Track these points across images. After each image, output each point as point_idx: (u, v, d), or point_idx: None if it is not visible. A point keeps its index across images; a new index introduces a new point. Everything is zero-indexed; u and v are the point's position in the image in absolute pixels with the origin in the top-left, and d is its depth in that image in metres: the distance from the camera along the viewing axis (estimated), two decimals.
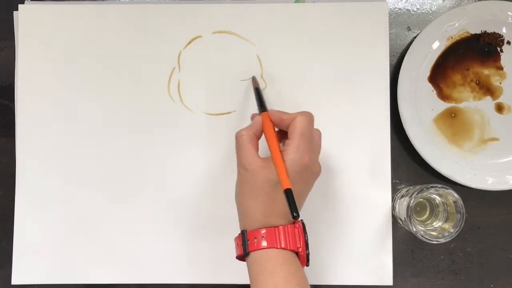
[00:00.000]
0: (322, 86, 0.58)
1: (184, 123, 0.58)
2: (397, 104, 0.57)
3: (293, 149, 0.45)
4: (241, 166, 0.46)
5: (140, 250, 0.57)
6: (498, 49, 0.58)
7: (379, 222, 0.57)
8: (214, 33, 0.58)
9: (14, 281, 0.57)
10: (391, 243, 0.57)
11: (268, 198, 0.45)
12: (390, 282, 0.56)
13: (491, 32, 0.58)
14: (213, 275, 0.57)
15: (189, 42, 0.58)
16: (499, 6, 0.57)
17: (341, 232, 0.57)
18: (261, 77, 0.58)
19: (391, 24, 0.59)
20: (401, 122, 0.56)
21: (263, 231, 0.45)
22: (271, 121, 0.48)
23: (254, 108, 0.54)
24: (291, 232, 0.45)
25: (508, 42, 0.58)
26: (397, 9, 0.59)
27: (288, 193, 0.42)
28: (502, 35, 0.58)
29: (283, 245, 0.45)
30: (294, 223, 0.47)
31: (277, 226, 0.45)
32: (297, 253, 0.46)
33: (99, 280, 0.57)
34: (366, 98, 0.57)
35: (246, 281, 0.53)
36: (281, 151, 0.45)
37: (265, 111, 0.49)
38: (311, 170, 0.47)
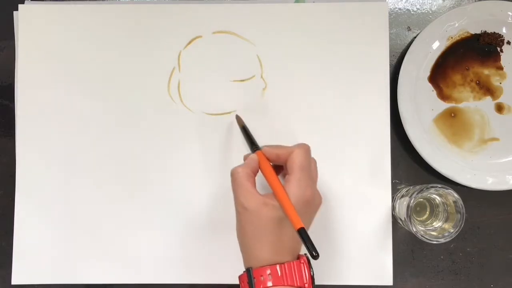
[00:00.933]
0: (322, 86, 0.58)
1: (184, 123, 0.58)
2: (397, 104, 0.57)
3: (295, 184, 0.44)
4: (240, 204, 0.45)
5: (140, 250, 0.57)
6: (498, 49, 0.58)
7: (379, 222, 0.57)
8: (214, 33, 0.58)
9: (14, 281, 0.57)
10: (391, 243, 0.57)
11: (273, 236, 0.44)
12: (390, 282, 0.56)
13: (491, 32, 0.58)
14: (213, 275, 0.57)
15: (189, 42, 0.58)
16: (499, 6, 0.57)
17: (341, 232, 0.57)
18: (261, 77, 0.58)
19: (391, 24, 0.59)
20: (401, 122, 0.56)
21: (270, 269, 0.44)
22: (267, 158, 0.47)
23: (254, 108, 0.54)
24: (298, 268, 0.44)
25: (508, 42, 0.58)
26: (397, 9, 0.59)
27: (303, 232, 0.41)
28: (502, 35, 0.58)
29: (289, 282, 0.44)
30: (299, 257, 0.46)
31: (283, 263, 0.44)
32: None
33: (99, 280, 0.57)
34: (366, 98, 0.57)
35: None
36: (284, 189, 0.44)
37: (258, 149, 0.48)
38: (314, 203, 0.46)
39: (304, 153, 0.46)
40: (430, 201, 0.56)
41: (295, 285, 0.44)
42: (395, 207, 0.56)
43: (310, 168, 0.46)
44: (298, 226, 0.42)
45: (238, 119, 0.55)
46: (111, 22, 0.58)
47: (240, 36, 0.58)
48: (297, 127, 0.57)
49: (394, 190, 0.57)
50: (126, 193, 0.57)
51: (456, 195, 0.51)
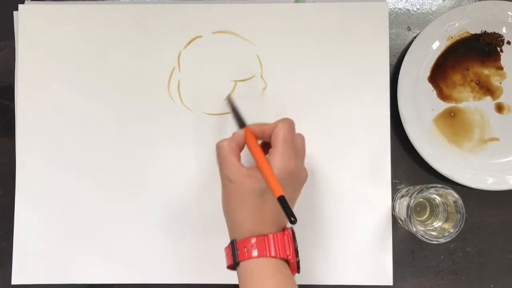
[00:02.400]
0: (322, 86, 0.58)
1: (184, 123, 0.58)
2: (397, 104, 0.57)
3: (278, 156, 0.45)
4: (225, 177, 0.46)
5: (141, 250, 0.57)
6: (498, 49, 0.58)
7: (379, 222, 0.57)
8: (214, 33, 0.58)
9: (14, 281, 0.57)
10: (391, 243, 0.57)
11: (256, 207, 0.45)
12: (390, 282, 0.56)
13: (491, 32, 0.58)
14: (212, 275, 0.57)
15: (189, 42, 0.58)
16: (499, 6, 0.57)
17: (341, 232, 0.57)
18: (261, 77, 0.58)
19: (391, 24, 0.59)
20: (401, 122, 0.56)
21: (253, 240, 0.45)
22: (253, 135, 0.48)
23: (254, 107, 0.54)
24: (280, 240, 0.45)
25: (508, 42, 0.58)
26: (397, 9, 0.59)
27: (282, 200, 0.42)
28: (502, 35, 0.58)
29: (273, 254, 0.44)
30: (283, 230, 0.46)
31: (267, 235, 0.45)
32: (287, 261, 0.45)
33: (99, 280, 0.57)
34: (366, 98, 0.57)
35: None
36: (266, 160, 0.45)
37: (245, 126, 0.49)
38: (297, 176, 0.46)
39: (287, 127, 0.46)
40: (430, 201, 0.56)
41: (278, 256, 0.44)
42: (395, 207, 0.56)
43: (293, 141, 0.46)
44: (278, 194, 0.42)
45: (230, 99, 0.55)
46: (111, 22, 0.58)
47: (240, 36, 0.58)
48: (297, 127, 0.57)
49: (394, 190, 0.57)
50: (126, 193, 0.57)
51: (456, 195, 0.51)
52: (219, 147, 0.47)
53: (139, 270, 0.57)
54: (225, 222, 0.56)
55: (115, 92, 0.58)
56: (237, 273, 0.46)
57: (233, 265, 0.46)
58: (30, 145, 0.58)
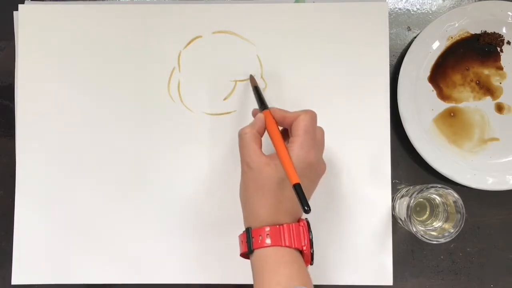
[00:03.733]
0: (322, 86, 0.58)
1: (184, 123, 0.58)
2: (397, 104, 0.57)
3: (298, 146, 0.45)
4: (245, 164, 0.46)
5: (141, 250, 0.57)
6: (498, 49, 0.58)
7: (379, 222, 0.57)
8: (214, 33, 0.58)
9: (14, 281, 0.57)
10: (391, 243, 0.57)
11: (273, 196, 0.45)
12: (390, 282, 0.56)
13: (491, 32, 0.58)
14: (212, 275, 0.57)
15: (189, 42, 0.58)
16: (499, 6, 0.57)
17: (341, 232, 0.57)
18: (261, 77, 0.58)
19: (391, 24, 0.59)
20: (401, 122, 0.56)
21: (268, 228, 0.45)
22: (274, 118, 0.48)
23: (254, 107, 0.54)
24: (296, 230, 0.45)
25: (508, 42, 0.58)
26: (397, 9, 0.59)
27: (297, 188, 0.42)
28: (502, 35, 0.58)
29: (287, 243, 0.45)
30: (299, 221, 0.47)
31: (282, 224, 0.45)
32: (301, 252, 0.46)
33: (99, 280, 0.57)
34: (366, 98, 0.57)
35: (246, 281, 0.53)
36: (286, 148, 0.45)
37: (266, 108, 0.49)
38: (316, 167, 0.47)
39: (310, 118, 0.46)
40: (430, 201, 0.56)
41: (293, 246, 0.45)
42: (395, 207, 0.56)
43: (314, 133, 0.47)
44: (294, 181, 0.42)
45: (252, 79, 0.56)
46: (111, 22, 0.58)
47: (240, 36, 0.58)
48: None
49: (394, 190, 0.57)
50: (126, 193, 0.57)
51: (456, 195, 0.51)
52: (241, 134, 0.47)
53: (139, 270, 0.57)
54: (225, 222, 0.56)
55: (115, 92, 0.58)
56: (251, 261, 0.46)
57: (247, 253, 0.46)
58: (30, 145, 0.58)
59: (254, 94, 0.53)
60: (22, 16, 0.58)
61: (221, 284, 0.57)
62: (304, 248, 0.45)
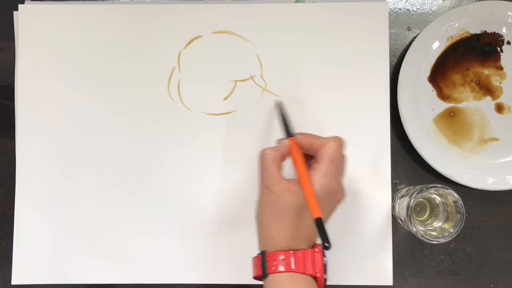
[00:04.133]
0: (322, 86, 0.58)
1: (184, 123, 0.58)
2: (397, 104, 0.57)
3: (322, 174, 0.44)
4: (265, 186, 0.46)
5: (140, 250, 0.57)
6: (498, 49, 0.58)
7: (379, 222, 0.57)
8: (214, 33, 0.58)
9: (14, 281, 0.57)
10: (391, 243, 0.57)
11: (292, 222, 0.45)
12: (390, 282, 0.56)
13: (491, 32, 0.58)
14: (212, 275, 0.57)
15: (189, 42, 0.58)
16: (499, 6, 0.57)
17: (341, 232, 0.57)
18: (261, 77, 0.58)
19: (391, 24, 0.59)
20: (401, 122, 0.56)
21: (284, 255, 0.44)
22: (300, 146, 0.47)
23: (254, 107, 0.54)
24: (311, 257, 0.45)
25: (508, 42, 0.58)
26: (397, 9, 0.59)
27: (319, 222, 0.42)
28: (502, 35, 0.58)
29: (302, 270, 0.44)
30: (313, 247, 0.46)
31: (298, 250, 0.45)
32: (315, 277, 0.45)
33: (99, 280, 0.57)
34: (366, 98, 0.57)
35: (247, 281, 0.53)
36: (309, 178, 0.44)
37: (291, 135, 0.48)
38: (336, 195, 0.46)
39: (338, 146, 0.46)
40: (430, 201, 0.56)
41: (307, 273, 0.44)
42: (395, 207, 0.56)
43: (340, 162, 0.46)
44: (316, 216, 0.42)
45: (279, 105, 0.54)
46: (111, 22, 0.58)
47: (240, 36, 0.58)
48: (297, 127, 0.57)
49: (394, 190, 0.57)
50: (126, 193, 0.57)
51: (456, 195, 0.51)
52: (262, 155, 0.46)
53: (139, 270, 0.57)
54: (226, 222, 0.56)
55: (115, 92, 0.58)
56: (264, 285, 0.46)
57: (261, 276, 0.45)
58: (30, 145, 0.58)
59: (280, 120, 0.52)
60: (22, 16, 0.58)
61: (221, 284, 0.57)
62: (318, 274, 0.45)
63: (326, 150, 0.45)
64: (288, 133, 0.49)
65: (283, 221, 0.45)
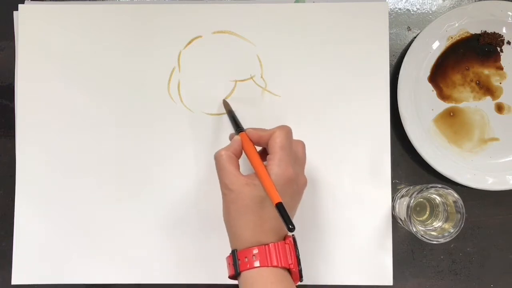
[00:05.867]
0: (322, 86, 0.58)
1: (184, 123, 0.58)
2: (397, 104, 0.57)
3: (276, 162, 0.45)
4: (224, 186, 0.46)
5: (140, 250, 0.57)
6: (498, 49, 0.58)
7: (379, 222, 0.57)
8: (214, 33, 0.58)
9: (14, 281, 0.57)
10: (391, 243, 0.57)
11: (256, 216, 0.45)
12: (390, 282, 0.56)
13: (491, 32, 0.58)
14: (212, 275, 0.57)
15: (189, 42, 0.58)
16: (499, 6, 0.57)
17: (341, 232, 0.57)
18: (261, 77, 0.58)
19: (391, 24, 0.59)
20: (401, 122, 0.56)
21: (254, 250, 0.44)
22: (250, 139, 0.48)
23: (254, 107, 0.54)
24: (282, 249, 0.45)
25: (508, 42, 0.58)
26: (397, 9, 0.59)
27: (280, 207, 0.42)
28: (502, 35, 0.58)
29: (274, 263, 0.44)
30: (284, 239, 0.46)
31: (268, 244, 0.45)
32: (289, 270, 0.45)
33: (99, 280, 0.57)
34: (366, 98, 0.57)
35: None
36: (264, 167, 0.45)
37: (242, 131, 0.49)
38: (296, 182, 0.46)
39: (285, 134, 0.46)
40: (430, 201, 0.56)
41: (280, 265, 0.44)
42: (395, 207, 0.56)
43: (291, 148, 0.46)
44: (276, 201, 0.42)
45: (226, 104, 0.56)
46: (111, 22, 0.58)
47: (240, 36, 0.58)
48: (296, 127, 0.57)
49: (394, 190, 0.57)
50: (126, 193, 0.57)
51: (456, 195, 0.51)
52: (217, 157, 0.47)
53: (139, 270, 0.57)
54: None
55: (115, 92, 0.58)
56: (239, 283, 0.46)
57: (235, 275, 0.46)
58: (30, 145, 0.58)
59: (229, 118, 0.53)
60: (22, 16, 0.58)
61: (221, 284, 0.57)
62: (292, 266, 0.45)
63: (275, 140, 0.46)
64: (238, 129, 0.50)
65: (248, 216, 0.45)
